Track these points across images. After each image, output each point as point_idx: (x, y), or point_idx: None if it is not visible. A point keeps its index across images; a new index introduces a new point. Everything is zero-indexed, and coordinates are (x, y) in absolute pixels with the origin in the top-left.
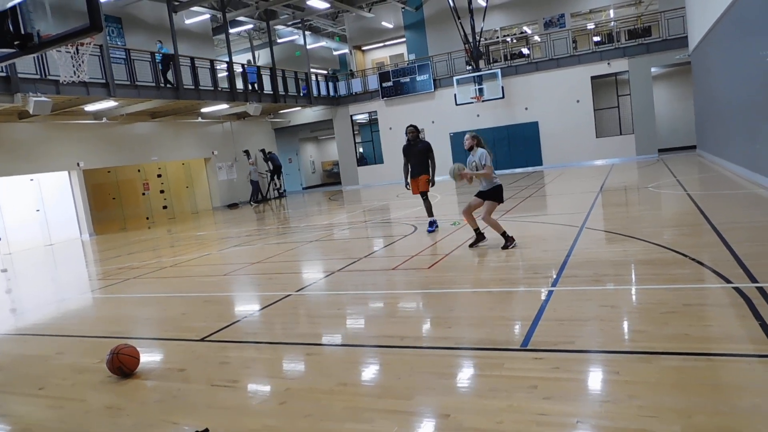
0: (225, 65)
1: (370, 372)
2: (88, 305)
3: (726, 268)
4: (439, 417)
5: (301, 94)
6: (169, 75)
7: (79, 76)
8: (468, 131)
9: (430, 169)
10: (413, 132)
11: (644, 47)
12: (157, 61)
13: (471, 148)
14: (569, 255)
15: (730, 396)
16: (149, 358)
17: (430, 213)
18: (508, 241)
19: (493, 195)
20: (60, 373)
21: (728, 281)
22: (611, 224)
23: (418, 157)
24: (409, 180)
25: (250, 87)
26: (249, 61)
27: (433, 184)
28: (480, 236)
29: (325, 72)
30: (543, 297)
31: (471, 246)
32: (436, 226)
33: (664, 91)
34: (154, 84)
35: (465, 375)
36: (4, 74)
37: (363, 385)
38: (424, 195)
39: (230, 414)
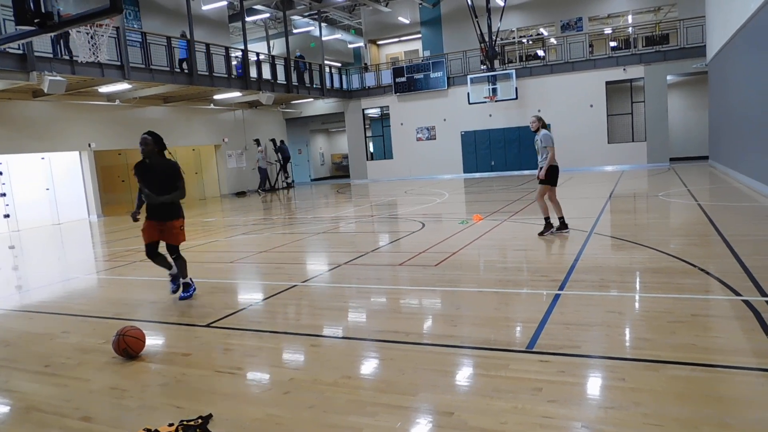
0: (240, 53)
1: (374, 366)
2: (94, 286)
3: (735, 280)
4: (442, 414)
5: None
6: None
7: (97, 57)
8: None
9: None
10: (149, 145)
11: (661, 54)
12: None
13: (537, 130)
14: (577, 259)
15: (736, 409)
16: (154, 341)
17: (183, 274)
18: (547, 229)
19: (549, 178)
20: (65, 352)
21: (737, 293)
22: (620, 231)
23: (159, 184)
24: (142, 217)
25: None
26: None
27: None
28: (548, 226)
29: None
30: (550, 300)
31: (540, 234)
32: (193, 290)
33: (678, 100)
34: (168, 68)
35: (469, 374)
36: (20, 52)
37: (367, 379)
38: (174, 251)
39: (234, 401)
